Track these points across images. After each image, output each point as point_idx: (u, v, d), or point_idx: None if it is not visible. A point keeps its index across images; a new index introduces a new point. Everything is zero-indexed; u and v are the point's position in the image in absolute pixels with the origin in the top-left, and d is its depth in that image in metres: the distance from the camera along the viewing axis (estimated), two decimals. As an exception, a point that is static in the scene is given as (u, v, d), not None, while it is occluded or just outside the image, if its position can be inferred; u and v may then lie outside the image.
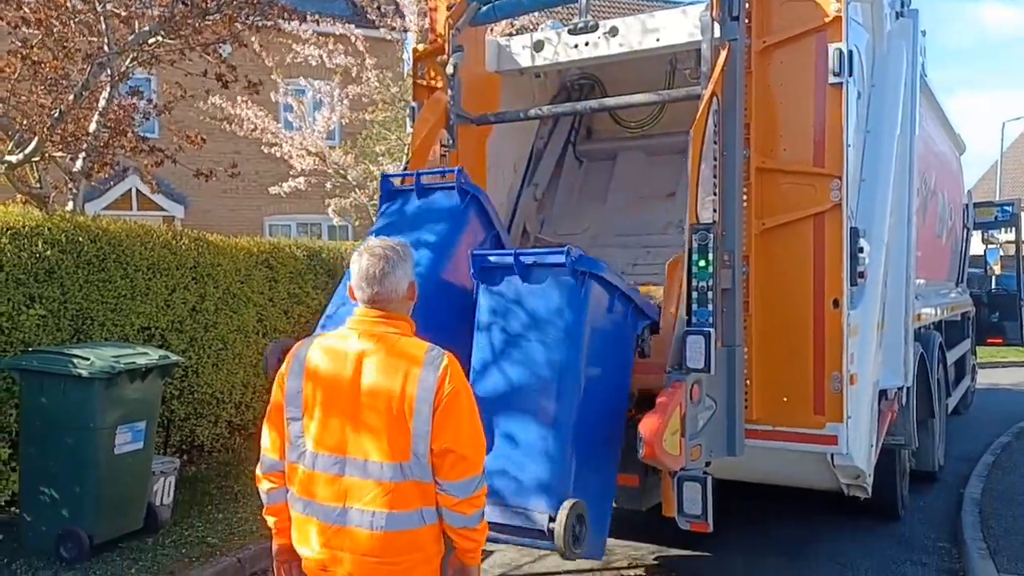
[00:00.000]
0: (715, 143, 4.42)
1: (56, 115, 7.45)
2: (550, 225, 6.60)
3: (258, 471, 2.78)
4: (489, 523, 2.80)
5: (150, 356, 5.51)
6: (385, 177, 4.96)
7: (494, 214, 4.91)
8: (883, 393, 5.38)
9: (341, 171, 12.73)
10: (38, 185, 8.15)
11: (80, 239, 6.02)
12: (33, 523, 5.20)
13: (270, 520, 2.78)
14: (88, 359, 5.11)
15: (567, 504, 3.52)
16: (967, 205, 10.76)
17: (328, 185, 13.20)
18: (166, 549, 5.39)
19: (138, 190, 16.11)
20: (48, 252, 5.75)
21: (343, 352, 2.59)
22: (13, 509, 5.53)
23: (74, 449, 5.10)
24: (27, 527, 5.22)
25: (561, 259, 3.87)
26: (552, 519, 3.54)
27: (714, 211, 4.36)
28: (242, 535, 5.71)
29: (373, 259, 2.60)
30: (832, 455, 4.80)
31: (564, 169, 6.80)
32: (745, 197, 4.68)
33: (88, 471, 5.13)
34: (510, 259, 4.03)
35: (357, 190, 12.83)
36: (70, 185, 8.04)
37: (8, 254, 5.51)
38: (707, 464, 4.21)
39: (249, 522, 5.97)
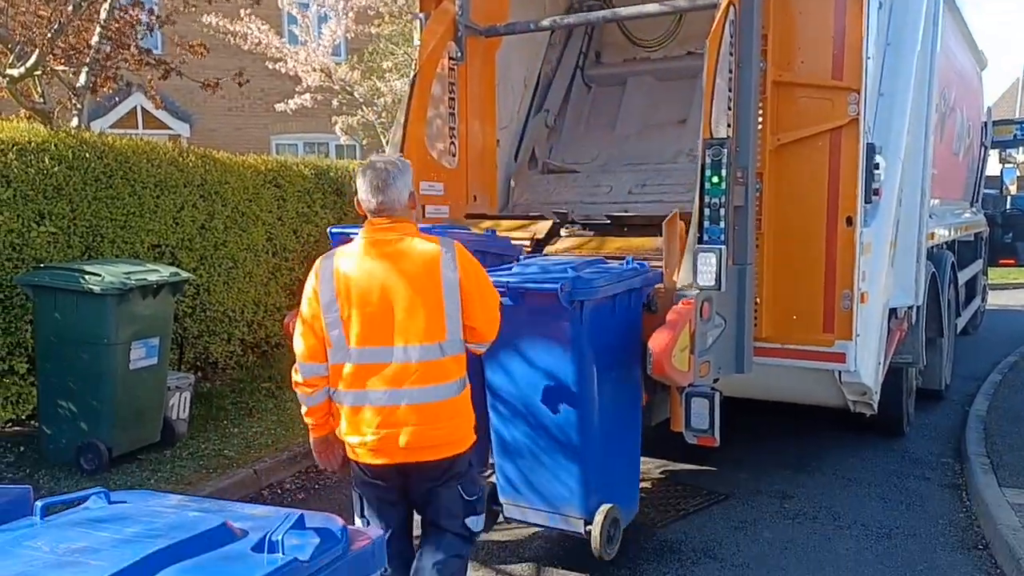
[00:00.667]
0: (731, 55, 4.31)
1: (56, 27, 7.30)
2: (558, 152, 6.45)
3: (296, 379, 3.08)
4: (530, 523, 3.84)
5: (161, 273, 5.54)
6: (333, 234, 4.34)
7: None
8: (893, 312, 5.38)
9: (348, 88, 12.52)
10: (41, 100, 8.05)
11: (87, 155, 5.98)
12: (53, 436, 5.32)
13: (310, 420, 3.13)
14: (100, 275, 5.13)
15: (601, 511, 3.80)
16: (986, 123, 10.54)
17: (335, 103, 13.01)
18: (183, 461, 5.53)
19: (143, 108, 15.91)
20: (55, 168, 5.72)
21: (365, 256, 2.94)
22: (33, 423, 5.66)
23: (90, 364, 5.18)
24: (47, 440, 5.35)
25: (555, 288, 3.56)
26: (588, 522, 3.83)
27: (728, 126, 4.28)
28: (257, 448, 5.84)
29: (375, 172, 2.96)
30: (840, 372, 4.83)
31: (573, 94, 6.61)
32: (760, 112, 4.58)
33: (104, 386, 5.21)
34: (503, 282, 3.65)
35: (364, 107, 12.64)
36: (74, 101, 7.93)
37: (15, 170, 5.48)
38: (715, 380, 4.25)
39: (264, 436, 6.10)
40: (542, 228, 5.20)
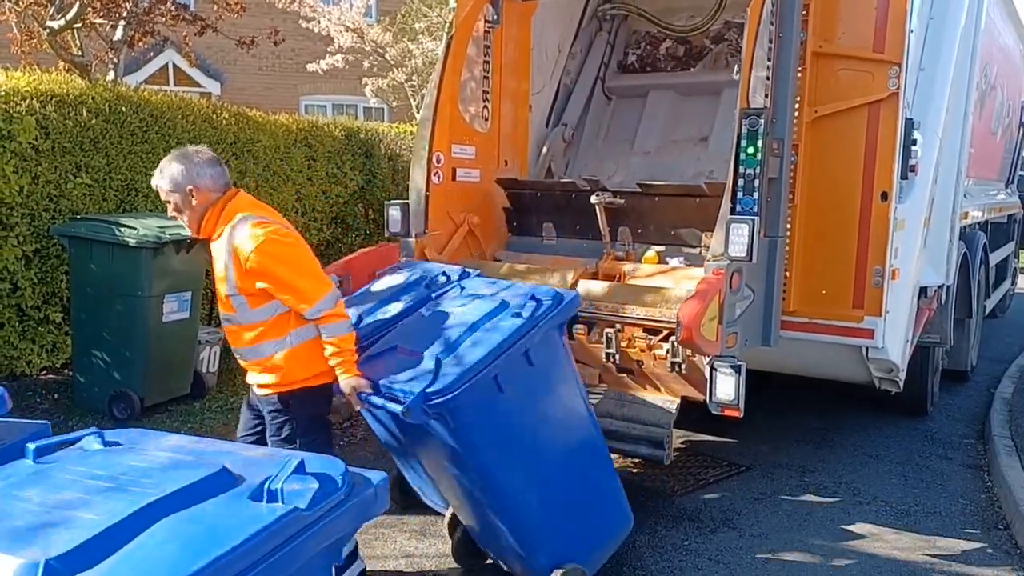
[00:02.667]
0: (771, 24, 4.25)
1: (95, -20, 7.34)
2: (575, 167, 6.21)
3: (341, 311, 3.21)
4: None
5: (194, 228, 5.60)
6: None
7: None
8: (923, 290, 5.34)
9: (379, 49, 12.48)
10: (80, 53, 8.11)
11: (123, 109, 6.04)
12: (86, 384, 5.44)
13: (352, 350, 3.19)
14: (135, 228, 5.21)
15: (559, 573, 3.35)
16: (1026, 103, 10.33)
17: (365, 64, 12.98)
18: (212, 413, 5.64)
19: (175, 65, 15.94)
20: (92, 121, 5.78)
21: None
22: (67, 371, 5.78)
23: (124, 316, 5.28)
24: (81, 388, 5.47)
25: (397, 411, 2.96)
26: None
27: (766, 96, 4.24)
28: (284, 404, 5.93)
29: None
30: (867, 349, 4.81)
31: (592, 106, 6.42)
32: (799, 83, 4.53)
33: (138, 337, 5.32)
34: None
35: (395, 69, 12.60)
36: (111, 54, 7.99)
37: (54, 122, 5.55)
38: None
39: (290, 392, 6.20)
40: (567, 278, 4.80)
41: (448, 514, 3.93)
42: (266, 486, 1.97)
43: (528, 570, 3.47)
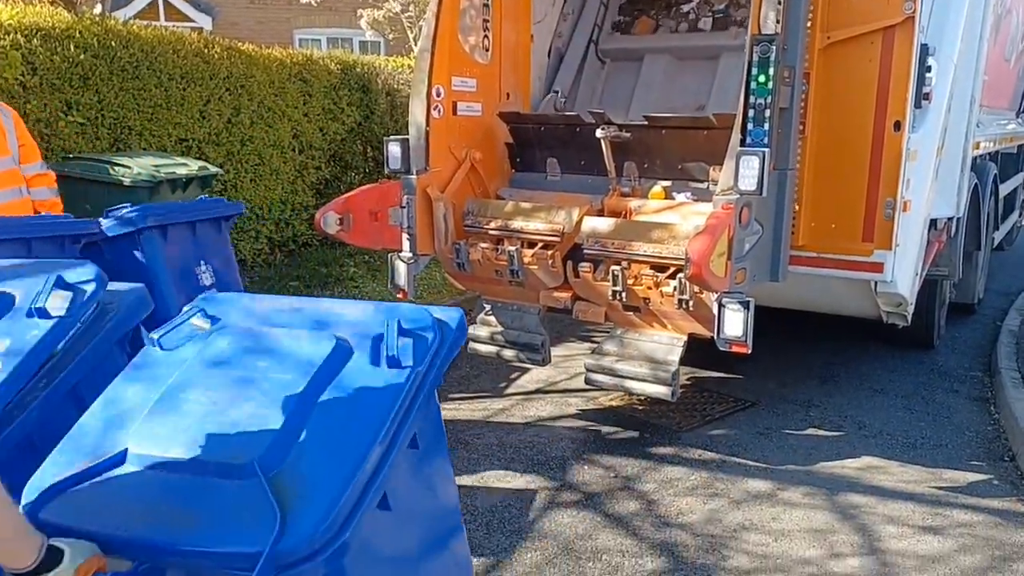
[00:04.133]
0: (784, -54, 4.06)
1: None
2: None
3: None
4: None
5: (190, 167, 5.50)
6: None
7: None
8: (933, 222, 5.24)
9: (374, -21, 12.13)
10: (64, -13, 7.86)
11: (112, 44, 5.86)
12: (88, 326, 5.39)
13: None
14: (129, 167, 5.10)
15: None
16: (1041, 28, 10.05)
17: (360, -5, 12.64)
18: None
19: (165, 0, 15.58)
20: (81, 56, 5.62)
21: None
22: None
23: (122, 257, 5.20)
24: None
25: None
26: None
27: (777, 22, 4.07)
28: (287, 344, 5.90)
29: None
30: (876, 283, 4.75)
31: (585, 71, 6.09)
32: (811, 7, 4.35)
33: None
34: None
35: (391, 0, 12.27)
36: (97, -12, 7.74)
37: (41, 57, 5.39)
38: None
39: (293, 332, 6.16)
40: (572, 215, 4.71)
41: None
42: (383, 351, 1.91)
43: None
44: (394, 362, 1.92)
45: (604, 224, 4.66)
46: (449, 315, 2.10)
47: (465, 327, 2.13)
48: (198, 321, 2.10)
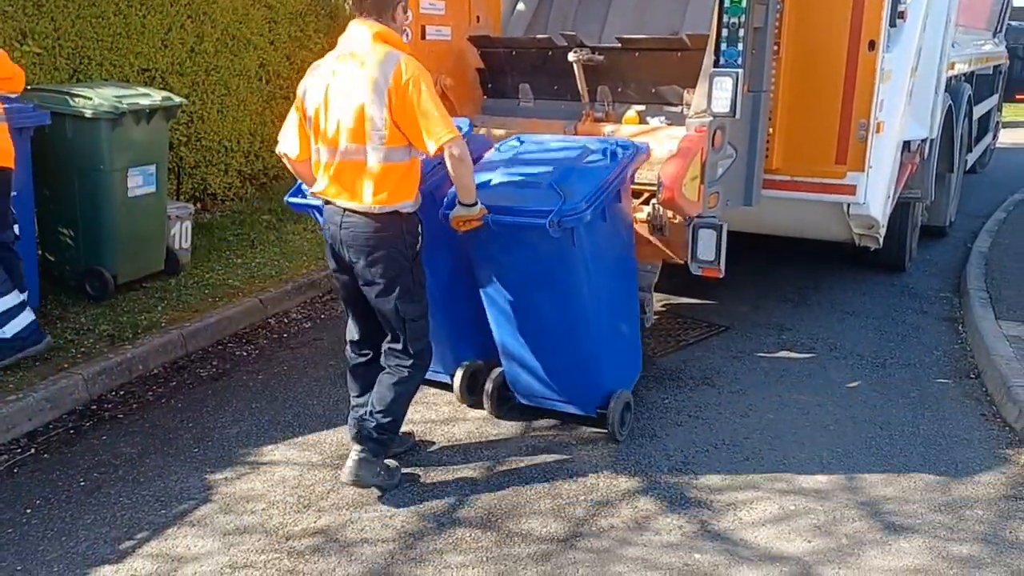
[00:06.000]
0: None
1: None
2: None
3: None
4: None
5: (152, 97, 5.35)
6: None
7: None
8: (906, 144, 5.25)
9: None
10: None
11: (65, -31, 5.63)
12: (57, 263, 5.33)
13: None
14: (91, 99, 4.96)
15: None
16: (1019, -54, 9.93)
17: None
18: (189, 289, 5.57)
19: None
20: (33, -17, 5.40)
21: None
22: (37, 249, 5.63)
23: (87, 191, 5.11)
24: (51, 267, 5.36)
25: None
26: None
27: (752, -62, 3.98)
28: (262, 279, 5.87)
29: None
30: (848, 205, 4.77)
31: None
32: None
33: (103, 213, 5.16)
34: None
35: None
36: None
37: (-10, -16, 5.18)
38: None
39: (268, 267, 6.13)
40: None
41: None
42: (608, 150, 3.69)
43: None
44: (613, 156, 3.70)
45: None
46: (637, 144, 3.84)
47: (646, 149, 3.86)
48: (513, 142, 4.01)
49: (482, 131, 4.94)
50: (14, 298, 4.23)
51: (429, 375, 4.03)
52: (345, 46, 3.23)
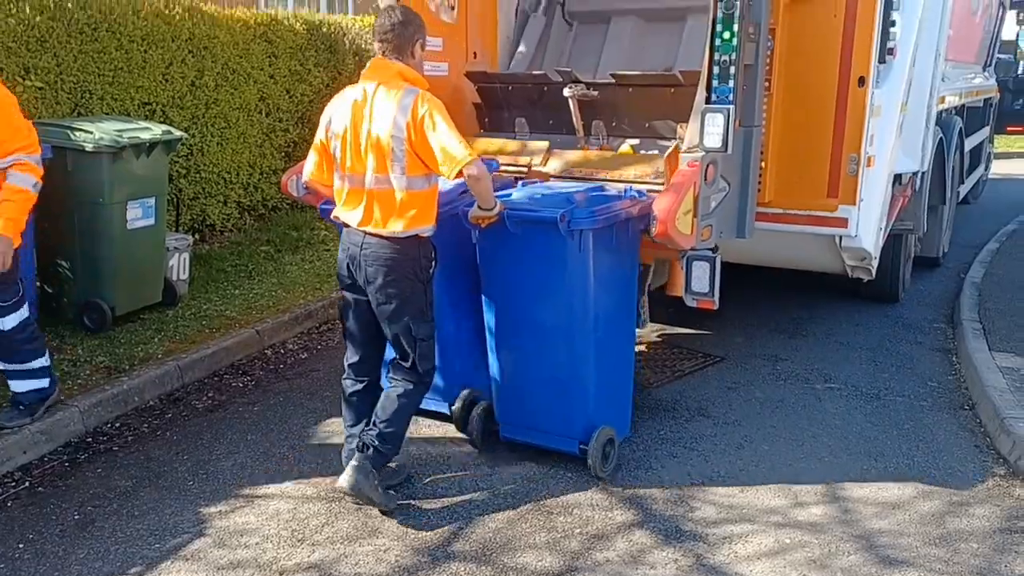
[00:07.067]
0: (749, -101, 4.03)
1: None
2: None
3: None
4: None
5: (153, 131, 5.41)
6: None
7: None
8: (898, 177, 5.31)
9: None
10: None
11: (68, 6, 5.72)
12: (55, 295, 5.35)
13: None
14: (91, 132, 5.02)
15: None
16: (1008, -19, 10.11)
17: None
18: (186, 320, 5.59)
19: (124, -42, 15.15)
20: (37, 19, 5.48)
21: None
22: (36, 282, 5.66)
23: (87, 224, 5.15)
24: (49, 299, 5.38)
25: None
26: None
27: (743, -23, 4.06)
28: (259, 310, 5.90)
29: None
30: (840, 238, 4.82)
31: (553, 32, 6.00)
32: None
33: (102, 245, 5.20)
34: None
35: (357, -42, 12.01)
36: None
37: (-6, 20, 5.26)
38: (715, 247, 4.23)
39: (265, 298, 6.15)
40: (538, 153, 4.87)
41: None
42: (625, 192, 3.96)
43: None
44: (626, 192, 3.96)
45: (572, 156, 4.76)
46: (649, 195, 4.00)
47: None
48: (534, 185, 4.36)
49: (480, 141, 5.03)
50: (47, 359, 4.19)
51: (427, 404, 4.11)
52: (368, 82, 3.42)
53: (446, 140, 3.29)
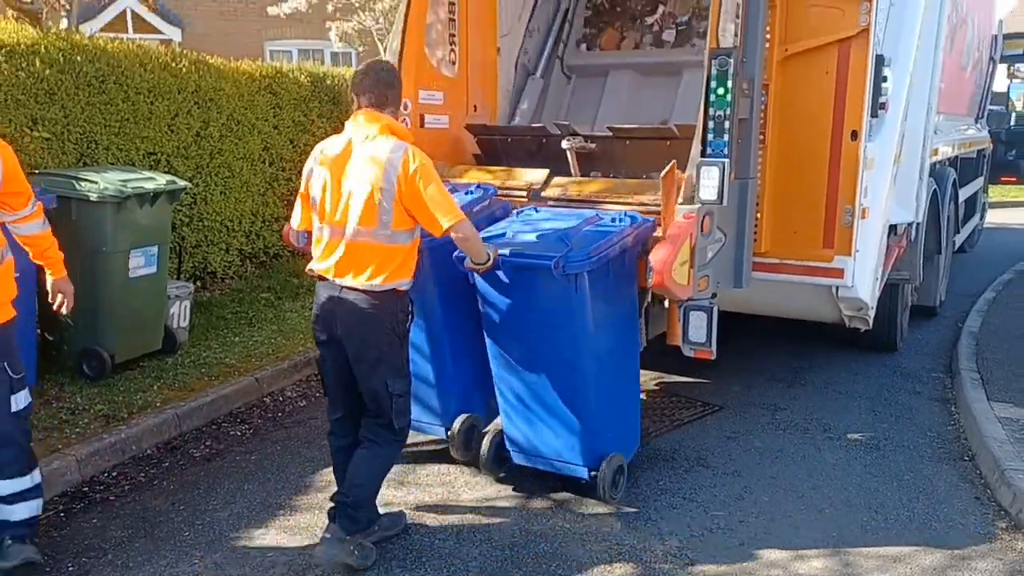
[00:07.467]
0: (741, -39, 4.16)
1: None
2: None
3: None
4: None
5: (157, 181, 5.49)
6: None
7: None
8: (893, 228, 5.37)
9: (343, -9, 12.15)
10: (29, 1, 7.81)
11: (78, 59, 5.84)
12: (55, 342, 5.37)
13: None
14: (96, 183, 5.09)
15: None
16: (996, 36, 10.29)
17: (329, 7, 12.64)
18: (185, 368, 5.60)
19: (133, 12, 15.47)
20: (46, 72, 5.59)
21: None
22: (36, 329, 5.68)
23: (89, 272, 5.17)
24: (50, 346, 5.39)
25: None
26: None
27: (735, 35, 4.17)
28: (258, 357, 5.91)
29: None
30: (837, 288, 4.86)
31: (551, 86, 6.21)
32: (768, 21, 4.46)
33: (104, 294, 5.23)
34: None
35: (361, 12, 12.29)
36: (63, 2, 7.71)
37: (5, 73, 5.36)
38: (713, 295, 4.27)
39: (264, 345, 6.17)
40: (538, 177, 4.97)
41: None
42: (616, 220, 3.96)
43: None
44: (620, 221, 3.97)
45: (572, 181, 4.84)
46: (645, 217, 4.09)
47: (653, 223, 4.09)
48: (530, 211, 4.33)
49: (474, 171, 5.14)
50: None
51: (424, 427, 4.28)
52: (354, 134, 3.40)
53: (436, 198, 3.29)
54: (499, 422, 4.20)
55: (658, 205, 4.13)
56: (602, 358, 3.86)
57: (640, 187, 4.63)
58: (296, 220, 3.64)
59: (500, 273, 3.71)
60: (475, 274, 3.77)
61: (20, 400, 3.34)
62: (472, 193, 4.42)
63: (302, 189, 3.52)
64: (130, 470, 4.40)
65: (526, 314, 3.81)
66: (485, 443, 4.18)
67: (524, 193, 4.87)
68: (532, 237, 3.90)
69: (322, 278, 3.43)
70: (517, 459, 4.13)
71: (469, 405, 4.32)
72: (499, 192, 4.66)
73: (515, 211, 4.38)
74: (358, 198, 3.29)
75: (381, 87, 3.41)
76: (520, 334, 3.88)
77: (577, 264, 3.62)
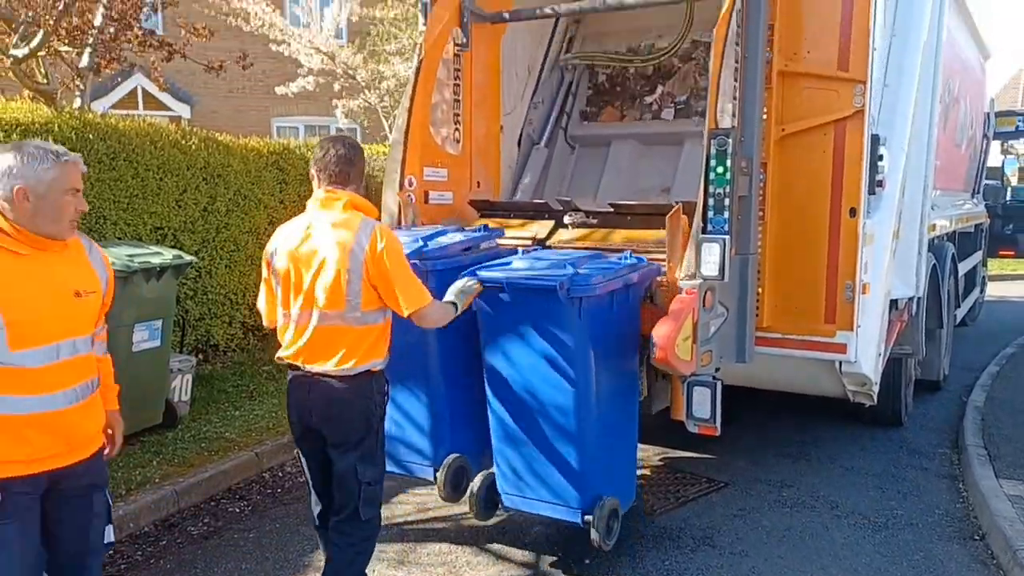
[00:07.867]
0: (736, 46, 4.30)
1: (60, 7, 7.27)
2: None
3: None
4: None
5: (164, 256, 5.55)
6: None
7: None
8: (894, 303, 5.40)
9: (350, 71, 12.48)
10: (45, 81, 8.04)
11: (90, 136, 5.98)
12: (56, 417, 5.33)
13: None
14: (103, 258, 5.14)
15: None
16: (988, 114, 10.53)
17: (336, 86, 12.97)
18: (185, 443, 5.56)
19: (144, 89, 15.84)
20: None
21: None
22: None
23: (93, 346, 5.19)
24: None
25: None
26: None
27: (733, 116, 4.27)
28: (259, 431, 5.87)
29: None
30: (840, 363, 4.85)
31: (555, 155, 6.38)
32: (765, 102, 4.57)
33: (107, 368, 5.22)
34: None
35: (366, 91, 12.60)
36: (77, 81, 7.93)
37: (18, 151, 5.48)
38: (716, 370, 4.27)
39: (265, 419, 6.13)
40: (543, 228, 5.08)
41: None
42: (624, 256, 4.07)
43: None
44: (627, 258, 4.06)
45: (577, 235, 4.90)
46: (652, 263, 4.25)
47: (659, 269, 4.24)
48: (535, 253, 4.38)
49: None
50: None
51: (413, 469, 4.27)
52: (315, 215, 3.25)
53: (403, 279, 3.16)
54: (491, 471, 4.14)
55: (663, 251, 4.22)
56: (601, 395, 3.80)
57: (643, 243, 4.68)
58: (263, 307, 3.41)
59: (504, 295, 3.70)
60: (477, 299, 3.74)
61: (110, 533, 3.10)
62: (479, 231, 4.53)
63: (265, 275, 3.32)
64: (127, 548, 4.33)
65: (527, 340, 3.77)
66: (476, 482, 4.11)
67: (529, 242, 4.97)
68: (538, 263, 3.91)
69: (292, 366, 3.26)
70: (508, 503, 4.05)
71: (459, 445, 4.26)
72: (505, 237, 4.80)
73: (521, 251, 4.38)
74: (324, 280, 3.12)
75: (342, 164, 3.24)
76: (519, 362, 3.82)
77: (583, 287, 3.62)
